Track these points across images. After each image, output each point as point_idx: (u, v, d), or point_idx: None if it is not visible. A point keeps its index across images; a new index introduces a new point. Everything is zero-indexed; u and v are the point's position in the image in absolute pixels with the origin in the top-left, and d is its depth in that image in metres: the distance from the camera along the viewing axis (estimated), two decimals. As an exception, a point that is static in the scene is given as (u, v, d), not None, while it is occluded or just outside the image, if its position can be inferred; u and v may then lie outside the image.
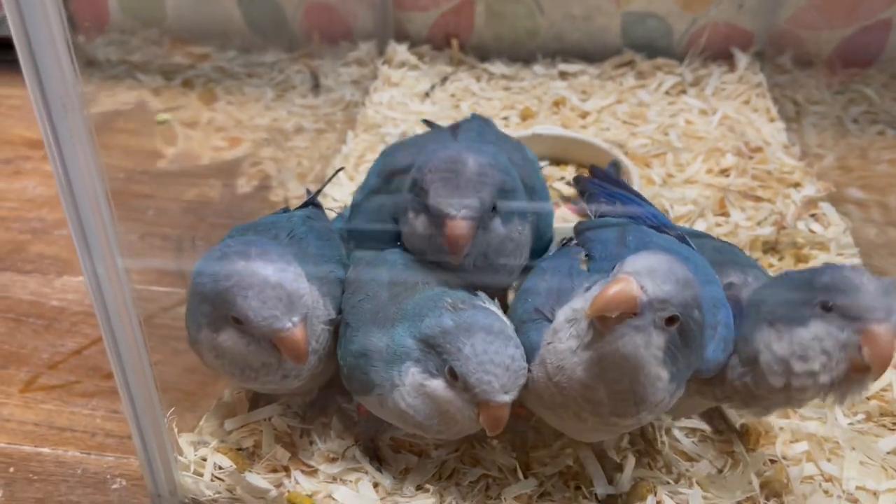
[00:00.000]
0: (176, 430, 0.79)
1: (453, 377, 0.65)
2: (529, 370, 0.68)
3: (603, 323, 0.60)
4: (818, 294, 0.65)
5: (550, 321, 0.68)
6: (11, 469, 0.88)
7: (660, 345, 0.60)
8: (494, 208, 0.76)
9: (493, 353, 0.64)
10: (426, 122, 1.10)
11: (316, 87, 1.52)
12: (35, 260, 1.22)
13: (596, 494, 0.77)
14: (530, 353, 0.68)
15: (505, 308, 0.76)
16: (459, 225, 0.72)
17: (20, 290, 1.15)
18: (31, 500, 0.85)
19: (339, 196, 1.22)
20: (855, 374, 0.64)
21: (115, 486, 0.87)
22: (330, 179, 1.03)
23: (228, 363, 0.71)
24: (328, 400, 0.87)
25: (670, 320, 0.60)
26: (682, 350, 0.62)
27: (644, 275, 0.59)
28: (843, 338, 0.63)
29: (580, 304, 0.64)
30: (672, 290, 0.59)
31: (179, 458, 0.77)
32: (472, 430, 0.70)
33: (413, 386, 0.68)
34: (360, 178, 1.26)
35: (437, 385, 0.67)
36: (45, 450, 0.91)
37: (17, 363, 1.03)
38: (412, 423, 0.70)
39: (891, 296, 0.63)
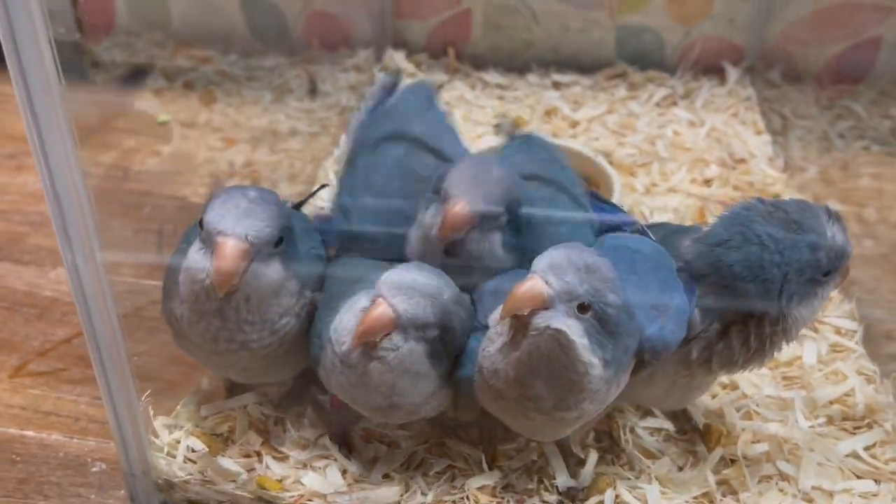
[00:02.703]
0: (152, 412, 0.82)
1: None
2: (473, 380, 0.71)
3: (519, 321, 0.63)
4: (822, 269, 0.71)
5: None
6: (-5, 450, 0.91)
7: (580, 333, 0.63)
8: (507, 223, 0.77)
9: (402, 272, 0.69)
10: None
11: (312, 92, 1.56)
12: (32, 251, 1.25)
13: (557, 487, 0.79)
14: (473, 362, 0.71)
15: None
16: (461, 206, 0.73)
17: (15, 279, 1.19)
18: (12, 481, 0.88)
19: (328, 197, 1.25)
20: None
21: (94, 469, 0.90)
22: (313, 194, 1.05)
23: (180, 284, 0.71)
24: (303, 390, 0.90)
25: (583, 308, 0.63)
26: (607, 335, 0.64)
27: (548, 270, 0.63)
28: (837, 283, 0.74)
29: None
30: (575, 280, 0.62)
31: (154, 439, 0.80)
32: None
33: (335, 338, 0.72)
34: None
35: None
36: (30, 433, 0.94)
37: (9, 350, 1.06)
38: (340, 376, 0.72)
39: (833, 217, 0.72)
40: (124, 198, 1.35)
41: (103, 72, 1.69)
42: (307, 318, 0.77)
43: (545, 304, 0.62)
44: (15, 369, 1.03)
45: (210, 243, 0.68)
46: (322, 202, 1.22)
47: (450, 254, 0.76)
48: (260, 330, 0.73)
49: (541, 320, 0.62)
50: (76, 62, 1.73)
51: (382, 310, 0.66)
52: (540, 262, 0.64)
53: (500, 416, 0.74)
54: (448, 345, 0.71)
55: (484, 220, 0.75)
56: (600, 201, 0.98)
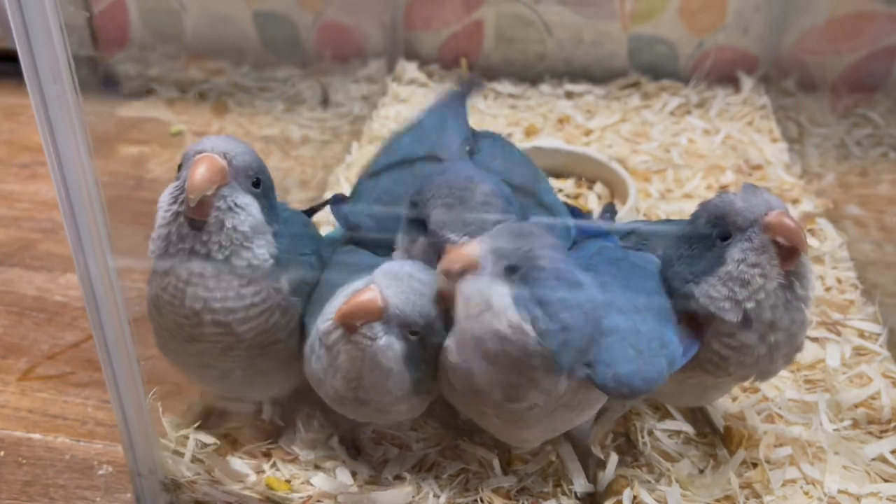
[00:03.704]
0: (161, 409, 0.80)
1: None
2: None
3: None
4: (712, 234, 0.69)
5: None
6: (1, 453, 0.90)
7: (503, 294, 0.62)
8: None
9: (402, 266, 0.69)
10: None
11: (325, 102, 1.56)
12: (43, 257, 1.25)
13: (575, 493, 0.77)
14: None
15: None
16: (458, 259, 0.67)
17: (26, 285, 1.18)
18: (18, 483, 0.87)
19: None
20: (790, 264, 0.67)
21: (101, 472, 0.88)
22: (324, 204, 1.03)
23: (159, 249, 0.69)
24: (312, 392, 0.88)
25: (510, 270, 0.62)
26: (538, 304, 0.62)
27: (483, 239, 0.65)
28: (756, 244, 0.67)
29: None
30: (503, 242, 0.63)
31: (161, 439, 0.78)
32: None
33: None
34: (361, 185, 1.29)
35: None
36: (36, 436, 0.93)
37: (17, 353, 1.05)
38: (315, 359, 0.70)
39: (755, 193, 0.68)
40: (136, 206, 1.35)
41: (117, 84, 1.70)
42: (289, 327, 0.74)
43: (475, 265, 0.62)
44: (23, 373, 1.02)
45: (187, 167, 0.67)
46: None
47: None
48: (226, 289, 0.68)
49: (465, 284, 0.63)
50: (91, 74, 1.74)
51: (372, 296, 0.64)
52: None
53: (475, 420, 0.73)
54: (427, 351, 0.68)
55: None
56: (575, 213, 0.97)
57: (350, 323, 0.64)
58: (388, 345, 0.65)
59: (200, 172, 0.65)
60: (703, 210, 0.71)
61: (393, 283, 0.66)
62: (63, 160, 0.59)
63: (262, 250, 0.70)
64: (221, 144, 0.68)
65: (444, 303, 0.66)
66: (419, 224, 0.74)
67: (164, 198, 0.68)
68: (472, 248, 0.63)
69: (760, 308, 0.67)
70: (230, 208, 0.68)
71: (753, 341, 0.68)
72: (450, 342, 0.66)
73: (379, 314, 0.64)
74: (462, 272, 0.63)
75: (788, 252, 0.66)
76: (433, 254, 0.72)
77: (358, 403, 0.69)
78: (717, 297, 0.68)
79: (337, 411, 0.77)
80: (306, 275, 0.76)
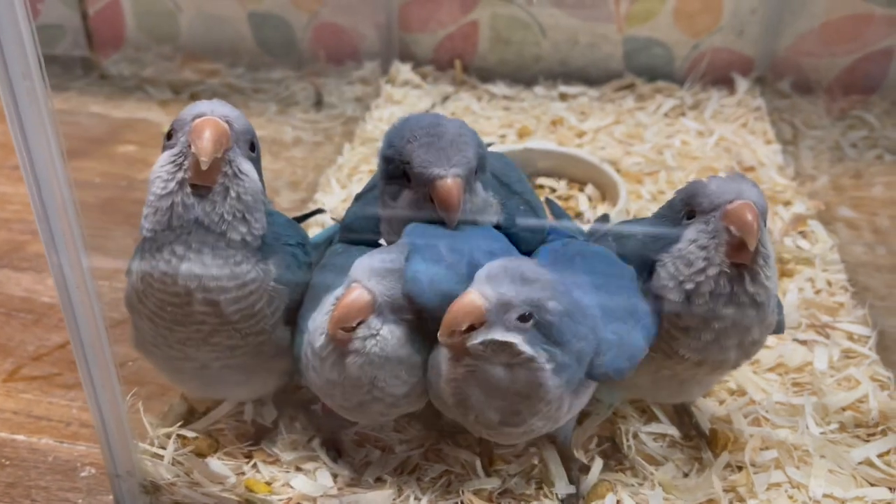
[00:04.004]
0: (142, 409, 0.80)
1: None
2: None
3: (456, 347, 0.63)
4: (681, 210, 0.70)
5: None
6: (-15, 454, 0.90)
7: (522, 341, 0.62)
8: (476, 172, 0.74)
9: (372, 256, 0.68)
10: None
11: (318, 104, 1.56)
12: (32, 259, 1.24)
13: (558, 496, 0.76)
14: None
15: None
16: (450, 185, 0.69)
17: (14, 286, 1.18)
18: (1, 485, 0.86)
19: (329, 204, 1.24)
20: (738, 256, 0.66)
21: (83, 474, 0.88)
22: (309, 216, 1.02)
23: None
24: (294, 395, 0.88)
25: (523, 318, 0.61)
26: (551, 343, 0.62)
27: (485, 282, 0.62)
28: (710, 228, 0.67)
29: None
30: (511, 290, 0.61)
31: (139, 443, 0.78)
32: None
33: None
34: (352, 186, 1.29)
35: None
36: (20, 437, 0.92)
37: (3, 354, 1.04)
38: (314, 372, 0.70)
39: (737, 181, 0.68)
40: (128, 207, 1.35)
41: (109, 84, 1.70)
42: (273, 318, 0.73)
43: (483, 319, 0.61)
44: (9, 374, 1.02)
45: (184, 132, 0.65)
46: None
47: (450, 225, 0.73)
48: (222, 265, 0.67)
49: (479, 335, 0.61)
50: (85, 75, 1.74)
51: (358, 293, 0.64)
52: (477, 276, 0.63)
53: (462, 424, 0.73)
54: (427, 326, 0.67)
55: (468, 182, 0.72)
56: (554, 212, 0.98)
57: (346, 327, 0.64)
58: (390, 332, 0.66)
59: (208, 136, 0.63)
60: (681, 190, 0.72)
61: (372, 274, 0.66)
62: (34, 159, 0.58)
63: (258, 224, 0.69)
64: (219, 108, 0.67)
65: (455, 353, 0.64)
66: (399, 177, 0.73)
67: (164, 167, 0.66)
68: (474, 301, 0.61)
69: (699, 291, 0.67)
70: (235, 174, 0.66)
71: (696, 324, 0.69)
72: (440, 364, 0.66)
73: (371, 308, 0.65)
74: (470, 329, 0.61)
75: (738, 243, 0.65)
76: (421, 201, 0.71)
77: (373, 403, 0.69)
78: (664, 274, 0.69)
79: (326, 416, 0.77)
80: (291, 263, 0.75)
